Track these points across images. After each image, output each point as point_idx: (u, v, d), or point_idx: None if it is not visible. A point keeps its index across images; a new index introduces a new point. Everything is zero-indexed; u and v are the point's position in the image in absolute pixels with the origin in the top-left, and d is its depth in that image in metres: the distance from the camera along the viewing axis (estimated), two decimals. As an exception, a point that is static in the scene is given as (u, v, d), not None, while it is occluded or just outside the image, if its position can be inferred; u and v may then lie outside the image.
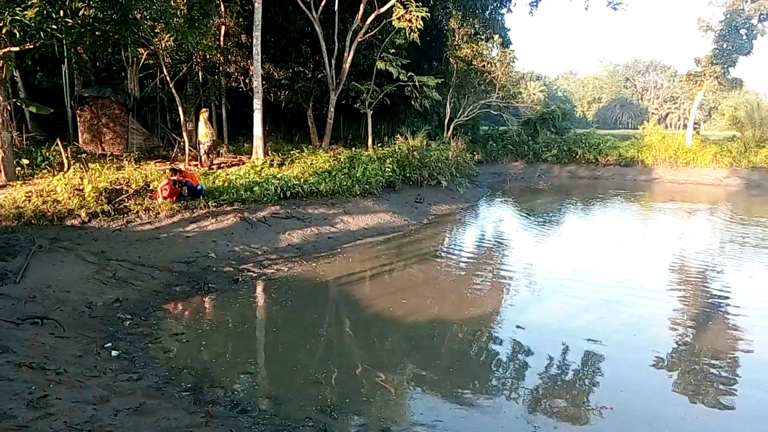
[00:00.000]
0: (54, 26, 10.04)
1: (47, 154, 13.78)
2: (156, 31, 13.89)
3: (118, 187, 10.70)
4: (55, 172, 11.87)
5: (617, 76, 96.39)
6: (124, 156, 14.79)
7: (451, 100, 26.13)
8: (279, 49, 20.61)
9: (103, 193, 10.12)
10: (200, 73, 18.16)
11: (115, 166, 13.03)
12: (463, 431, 4.77)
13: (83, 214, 9.45)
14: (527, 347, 6.58)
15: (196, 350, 6.15)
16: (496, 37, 26.47)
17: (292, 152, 17.33)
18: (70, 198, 9.75)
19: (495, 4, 25.75)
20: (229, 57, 19.31)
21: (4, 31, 9.75)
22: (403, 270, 9.98)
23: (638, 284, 9.25)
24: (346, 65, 19.21)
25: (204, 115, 15.11)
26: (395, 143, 18.68)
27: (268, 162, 15.37)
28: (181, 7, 14.80)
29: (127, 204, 10.24)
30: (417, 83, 19.73)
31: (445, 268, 10.36)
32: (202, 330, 6.76)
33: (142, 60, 16.90)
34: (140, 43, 14.04)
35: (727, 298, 8.74)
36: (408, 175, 17.16)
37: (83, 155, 14.70)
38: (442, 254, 11.57)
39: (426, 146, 18.65)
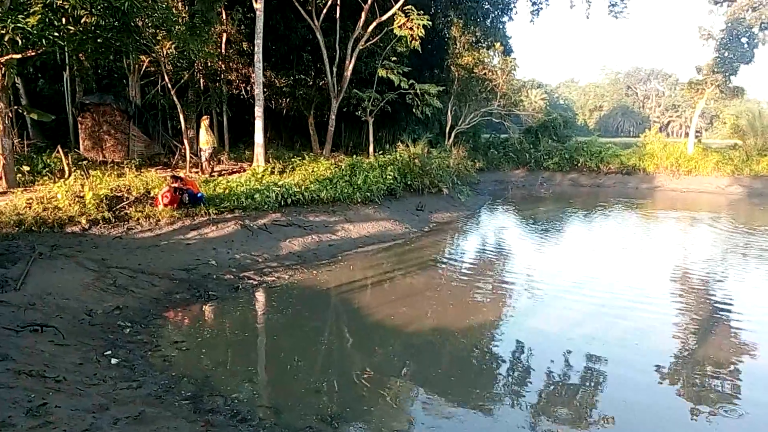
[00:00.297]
0: (56, 33, 10.10)
1: (48, 161, 13.83)
2: (158, 38, 13.94)
3: (118, 194, 10.74)
4: (56, 179, 11.87)
5: (618, 84, 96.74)
6: (125, 163, 14.81)
7: (453, 107, 26.16)
8: (280, 56, 20.69)
9: (104, 200, 10.14)
10: (201, 81, 18.22)
11: (115, 173, 13.07)
12: (465, 441, 4.73)
13: (84, 221, 9.46)
14: (528, 356, 6.56)
15: (196, 358, 6.11)
16: (498, 45, 26.56)
17: (293, 159, 17.35)
18: (70, 205, 9.76)
19: (496, 12, 25.79)
20: (231, 64, 19.38)
21: (6, 38, 9.79)
22: (403, 278, 9.95)
23: (640, 293, 9.20)
24: (348, 73, 19.29)
25: (205, 122, 15.13)
26: (396, 151, 18.67)
27: (269, 169, 15.38)
28: (183, 15, 14.90)
29: (128, 211, 10.25)
30: (418, 91, 19.76)
31: (445, 277, 10.31)
32: (202, 338, 6.73)
33: (144, 67, 16.94)
34: (142, 50, 14.07)
35: (730, 307, 8.69)
36: (409, 182, 17.15)
37: (84, 162, 14.73)
38: (443, 262, 11.54)
39: (427, 154, 18.67)
